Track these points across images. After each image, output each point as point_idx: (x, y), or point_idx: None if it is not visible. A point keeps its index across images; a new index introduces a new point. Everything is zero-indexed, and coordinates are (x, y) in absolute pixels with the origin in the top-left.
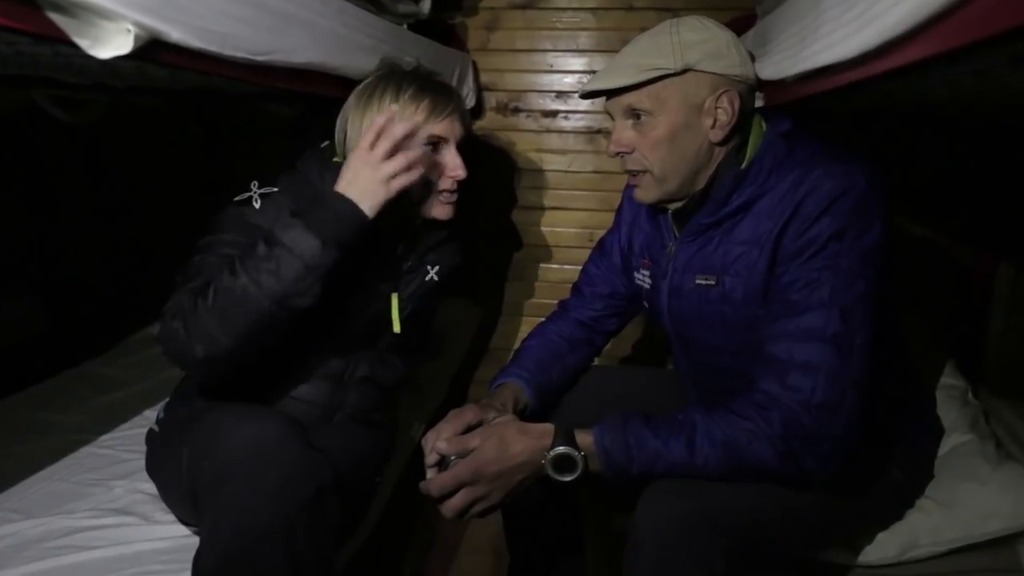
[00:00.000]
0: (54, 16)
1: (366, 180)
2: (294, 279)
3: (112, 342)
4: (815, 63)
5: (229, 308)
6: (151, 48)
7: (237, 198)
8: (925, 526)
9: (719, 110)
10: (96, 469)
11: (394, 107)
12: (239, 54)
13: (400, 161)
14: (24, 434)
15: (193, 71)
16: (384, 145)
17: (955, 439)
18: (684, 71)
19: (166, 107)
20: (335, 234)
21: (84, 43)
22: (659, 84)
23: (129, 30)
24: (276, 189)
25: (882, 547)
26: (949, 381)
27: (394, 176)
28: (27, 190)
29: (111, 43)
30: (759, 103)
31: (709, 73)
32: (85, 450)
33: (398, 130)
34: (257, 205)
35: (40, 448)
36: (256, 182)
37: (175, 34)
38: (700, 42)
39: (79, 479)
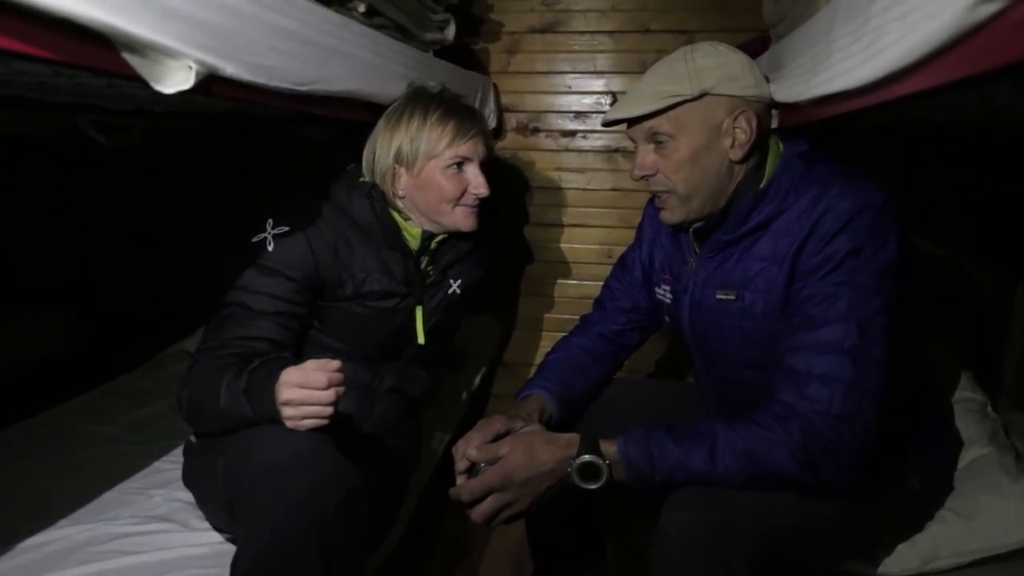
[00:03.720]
0: (128, 56)
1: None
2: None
3: (145, 356)
4: (826, 90)
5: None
6: (207, 82)
7: (254, 239)
8: (945, 537)
9: (737, 130)
10: (136, 478)
11: (421, 133)
12: (284, 85)
13: (298, 419)
14: (66, 445)
15: (241, 101)
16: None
17: (974, 452)
18: (701, 95)
19: (202, 129)
20: (255, 418)
21: (151, 80)
22: (678, 109)
23: (191, 67)
24: (288, 228)
25: (902, 558)
26: (967, 395)
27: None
28: (63, 207)
29: (174, 79)
30: (774, 123)
31: (726, 96)
32: (125, 460)
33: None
34: (270, 248)
35: (82, 458)
36: (271, 220)
37: (230, 69)
38: (715, 67)
39: (120, 488)
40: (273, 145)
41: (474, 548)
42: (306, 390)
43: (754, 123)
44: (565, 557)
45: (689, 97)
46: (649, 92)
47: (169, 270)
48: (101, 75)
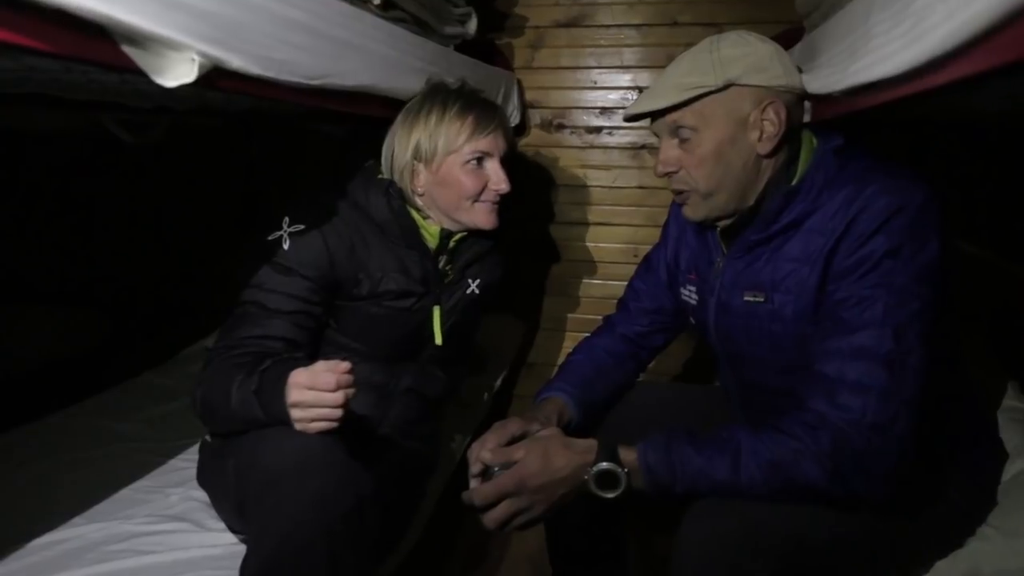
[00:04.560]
0: (127, 48)
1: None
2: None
3: (169, 354)
4: (865, 78)
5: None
6: (212, 75)
7: (270, 237)
8: (987, 555)
9: (765, 122)
10: (153, 476)
11: (440, 128)
12: (294, 79)
13: (306, 421)
14: (87, 442)
15: (249, 95)
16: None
17: (1019, 464)
18: (726, 86)
19: (223, 127)
20: (267, 419)
21: (152, 72)
22: (702, 101)
23: (194, 59)
24: (304, 226)
25: None
26: (1013, 404)
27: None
28: (88, 205)
29: (176, 72)
30: (806, 117)
31: (752, 86)
32: (143, 458)
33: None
34: (286, 246)
35: (101, 455)
36: (288, 217)
37: (235, 62)
38: (741, 56)
39: (137, 486)
40: (294, 142)
41: (493, 553)
42: (315, 392)
43: (783, 115)
44: (585, 564)
45: (713, 88)
46: (672, 84)
47: (192, 267)
48: (110, 70)
